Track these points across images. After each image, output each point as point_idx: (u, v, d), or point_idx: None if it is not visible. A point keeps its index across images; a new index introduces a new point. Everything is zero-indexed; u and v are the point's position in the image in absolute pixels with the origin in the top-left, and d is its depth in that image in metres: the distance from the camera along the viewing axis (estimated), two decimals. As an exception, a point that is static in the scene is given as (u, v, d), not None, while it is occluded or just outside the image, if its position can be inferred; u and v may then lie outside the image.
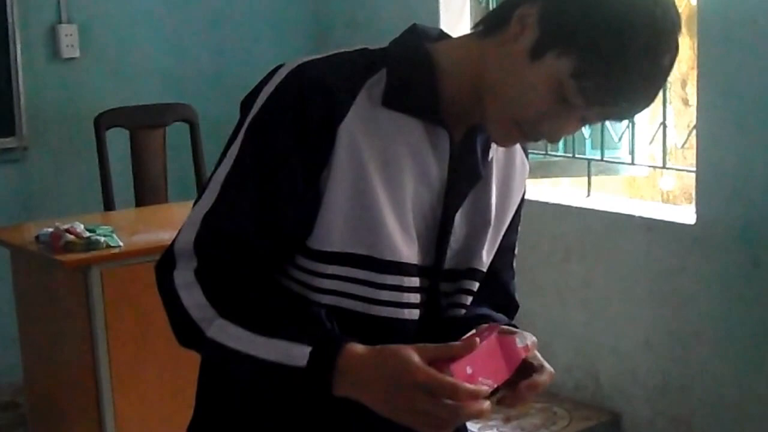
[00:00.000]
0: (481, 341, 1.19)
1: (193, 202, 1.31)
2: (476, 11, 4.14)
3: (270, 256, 1.27)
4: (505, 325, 1.32)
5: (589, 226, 3.63)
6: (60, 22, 4.08)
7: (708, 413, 3.33)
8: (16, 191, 4.08)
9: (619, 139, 3.70)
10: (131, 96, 4.12)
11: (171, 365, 2.92)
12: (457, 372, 1.15)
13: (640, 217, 3.48)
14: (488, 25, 1.27)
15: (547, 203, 3.74)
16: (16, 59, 3.94)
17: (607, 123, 3.63)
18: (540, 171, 3.92)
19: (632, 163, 3.75)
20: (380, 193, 1.25)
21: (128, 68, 4.27)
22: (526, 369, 1.26)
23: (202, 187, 1.30)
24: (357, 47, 1.32)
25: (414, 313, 1.31)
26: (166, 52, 4.37)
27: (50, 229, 2.97)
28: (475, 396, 1.14)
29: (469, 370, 1.17)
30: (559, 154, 3.94)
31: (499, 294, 1.49)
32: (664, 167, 3.64)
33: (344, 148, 1.23)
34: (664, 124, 3.49)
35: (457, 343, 1.19)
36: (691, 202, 3.73)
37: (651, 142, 3.64)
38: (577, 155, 3.86)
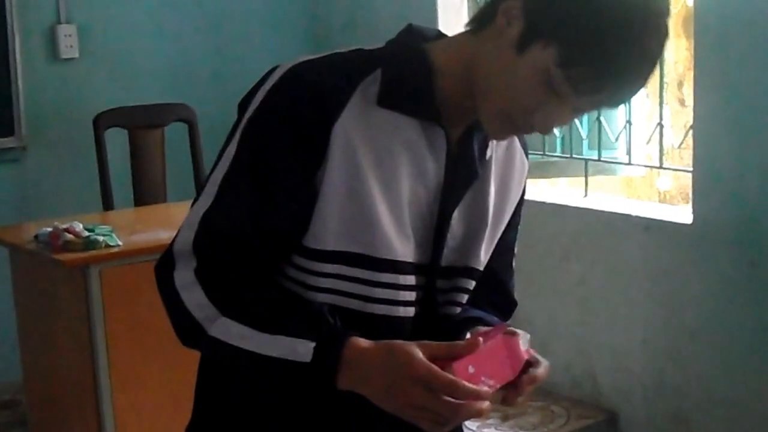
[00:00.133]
0: (486, 341, 1.20)
1: (191, 201, 1.32)
2: (474, 11, 4.12)
3: (268, 255, 1.28)
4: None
5: (587, 226, 3.64)
6: (59, 23, 4.09)
7: (705, 411, 3.34)
8: (16, 191, 4.09)
9: (616, 140, 3.71)
10: (130, 96, 4.13)
11: (170, 363, 2.92)
12: (458, 370, 1.16)
13: (637, 217, 3.49)
14: (477, 22, 1.28)
15: (544, 203, 3.74)
16: (15, 59, 3.95)
17: (605, 123, 3.66)
18: (538, 171, 3.93)
19: (629, 163, 3.76)
20: (375, 192, 1.26)
21: (127, 68, 4.28)
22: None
23: (199, 188, 1.31)
24: (353, 48, 1.33)
25: (409, 311, 1.32)
26: (165, 52, 4.38)
27: (49, 229, 2.98)
28: (474, 395, 1.15)
29: (471, 370, 1.18)
30: (556, 154, 3.95)
31: (497, 293, 1.50)
32: (660, 167, 3.65)
33: (339, 147, 1.24)
34: (660, 125, 3.50)
35: (460, 342, 1.20)
36: (687, 202, 3.74)
37: (648, 143, 3.65)
38: (574, 155, 3.86)
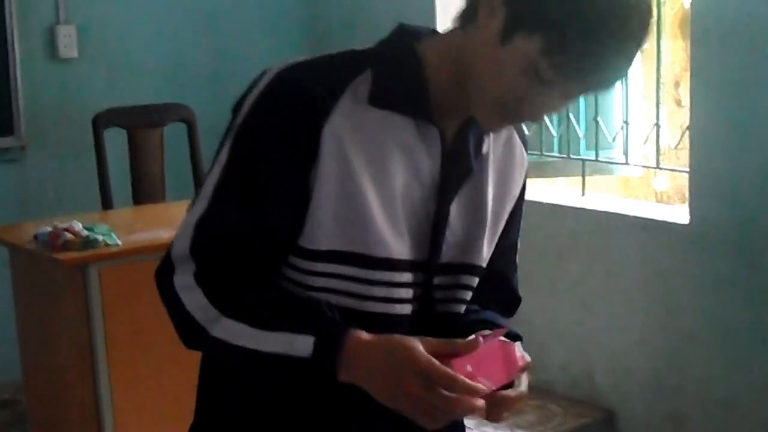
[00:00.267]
0: (485, 343, 1.22)
1: (190, 201, 1.33)
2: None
3: (266, 255, 1.29)
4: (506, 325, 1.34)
5: (584, 226, 3.65)
6: (58, 23, 4.10)
7: (702, 411, 3.35)
8: (15, 191, 4.10)
9: (613, 140, 3.72)
10: (129, 96, 4.13)
11: (169, 362, 2.92)
12: (457, 367, 1.18)
13: (635, 217, 3.50)
14: (464, 17, 1.29)
15: (542, 203, 3.75)
16: (14, 60, 3.95)
17: (602, 123, 3.67)
18: (535, 171, 3.93)
19: (626, 164, 3.77)
20: (368, 191, 1.27)
21: (126, 68, 4.29)
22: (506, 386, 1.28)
23: (196, 192, 1.32)
24: (345, 49, 1.34)
25: (406, 308, 1.33)
26: (163, 52, 4.39)
27: (49, 228, 2.98)
28: (471, 391, 1.17)
29: (469, 368, 1.19)
30: (554, 154, 3.96)
31: (500, 289, 1.50)
32: (657, 167, 3.66)
33: (330, 148, 1.25)
34: (657, 125, 3.51)
35: (460, 340, 1.22)
36: (684, 202, 3.76)
37: (645, 143, 3.66)
38: (571, 155, 3.87)
